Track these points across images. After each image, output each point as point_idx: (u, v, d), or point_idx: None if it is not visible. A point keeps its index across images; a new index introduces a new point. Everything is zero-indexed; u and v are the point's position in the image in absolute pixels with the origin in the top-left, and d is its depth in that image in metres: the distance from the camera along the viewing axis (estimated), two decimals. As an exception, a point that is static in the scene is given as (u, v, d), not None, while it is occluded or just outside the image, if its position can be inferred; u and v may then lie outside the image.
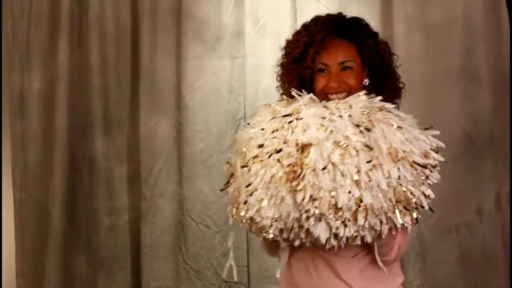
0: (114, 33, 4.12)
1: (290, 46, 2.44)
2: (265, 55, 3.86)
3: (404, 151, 2.10)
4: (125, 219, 4.17)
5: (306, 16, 3.71)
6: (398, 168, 2.07)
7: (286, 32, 3.81)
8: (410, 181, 2.08)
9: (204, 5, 3.99)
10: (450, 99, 3.72)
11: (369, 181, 2.03)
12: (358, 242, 2.11)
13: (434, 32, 3.72)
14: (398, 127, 2.15)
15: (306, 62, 2.36)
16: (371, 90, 2.37)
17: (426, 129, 2.27)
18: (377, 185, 2.04)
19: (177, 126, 4.03)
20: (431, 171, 2.17)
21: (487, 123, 3.71)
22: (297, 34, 2.44)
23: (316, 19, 2.44)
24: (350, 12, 3.70)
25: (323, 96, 2.34)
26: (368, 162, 2.05)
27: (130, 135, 4.15)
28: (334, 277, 2.37)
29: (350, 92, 2.32)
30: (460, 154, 3.72)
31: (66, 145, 4.16)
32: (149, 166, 4.06)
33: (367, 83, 2.40)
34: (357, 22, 2.47)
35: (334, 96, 2.32)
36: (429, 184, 2.16)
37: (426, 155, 2.17)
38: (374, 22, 3.72)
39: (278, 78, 2.52)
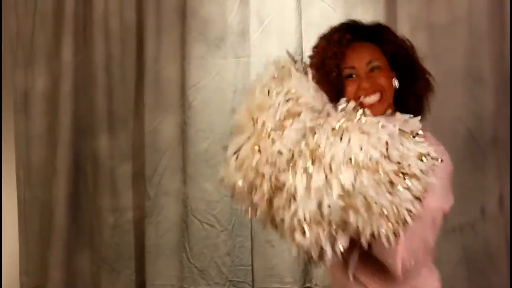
0: (119, 32, 4.12)
1: (312, 58, 2.34)
2: (269, 54, 3.83)
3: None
4: (129, 217, 4.17)
5: (311, 16, 3.75)
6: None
7: (291, 32, 3.83)
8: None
9: (208, 5, 3.99)
10: (454, 99, 3.72)
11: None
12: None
13: (439, 32, 3.73)
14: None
15: (333, 68, 2.26)
16: (402, 90, 2.31)
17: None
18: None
19: (181, 125, 4.03)
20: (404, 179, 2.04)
21: (490, 123, 3.71)
22: (315, 46, 2.35)
23: (332, 29, 2.36)
24: (355, 12, 3.77)
25: (356, 101, 2.22)
26: None
27: (134, 133, 4.15)
28: (346, 278, 2.36)
29: (383, 92, 2.25)
30: (464, 153, 3.73)
31: (70, 143, 4.16)
32: (153, 165, 4.07)
33: (396, 86, 2.30)
34: (373, 23, 2.38)
35: (367, 98, 2.23)
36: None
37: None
38: (378, 22, 3.75)
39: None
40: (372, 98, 2.24)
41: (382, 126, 2.07)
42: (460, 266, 3.75)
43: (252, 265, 3.96)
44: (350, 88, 2.26)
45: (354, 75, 2.27)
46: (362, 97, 2.23)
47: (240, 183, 2.24)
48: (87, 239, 4.24)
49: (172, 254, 4.08)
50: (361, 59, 2.27)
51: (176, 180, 4.07)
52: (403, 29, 3.72)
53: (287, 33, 3.83)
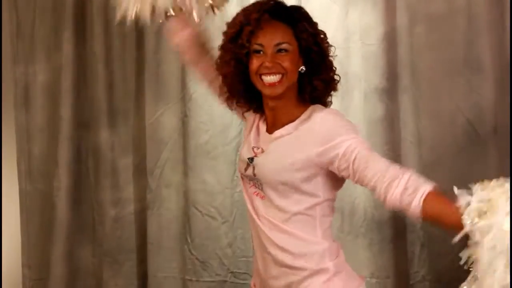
0: (119, 24, 4.12)
1: (228, 27, 2.49)
2: (269, 46, 3.85)
3: None
4: (131, 210, 4.18)
5: (311, 8, 3.72)
6: None
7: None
8: None
9: (208, -3, 3.99)
10: (454, 90, 3.72)
11: None
12: None
13: (438, 23, 3.72)
14: None
15: (241, 40, 2.39)
16: (306, 79, 2.44)
17: None
18: None
19: (182, 117, 4.04)
20: None
21: (491, 114, 3.71)
22: (235, 16, 2.48)
23: (255, 2, 2.48)
24: (354, 4, 3.76)
25: (258, 78, 2.39)
26: None
27: (135, 126, 4.16)
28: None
29: (285, 74, 2.37)
30: (464, 145, 3.72)
31: (71, 136, 4.18)
32: (155, 157, 4.08)
33: (303, 70, 2.43)
34: (297, 8, 2.50)
35: (268, 77, 2.37)
36: None
37: None
38: (377, 13, 3.76)
39: (217, 61, 2.58)
40: (272, 78, 2.37)
41: None
42: (460, 258, 3.75)
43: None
44: (254, 64, 2.40)
45: (261, 52, 2.39)
46: (263, 76, 2.38)
47: None
48: (88, 232, 4.25)
49: (173, 246, 4.09)
50: (271, 39, 2.38)
51: (177, 172, 4.08)
52: (402, 20, 3.73)
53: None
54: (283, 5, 2.47)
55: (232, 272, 4.04)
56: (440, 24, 3.72)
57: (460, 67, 3.71)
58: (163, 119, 4.07)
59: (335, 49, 2.50)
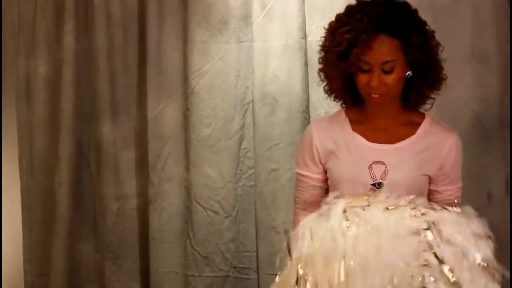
0: (121, 17, 4.09)
1: (333, 41, 2.46)
2: (272, 39, 3.81)
3: None
4: (133, 205, 4.15)
5: (313, 1, 3.69)
6: None
7: (294, 16, 3.77)
8: None
9: (211, -12, 3.96)
10: (460, 81, 3.67)
11: None
12: None
13: (443, 13, 3.68)
14: None
15: (350, 61, 2.40)
16: (413, 81, 2.49)
17: None
18: None
19: (184, 111, 4.01)
20: None
21: (497, 106, 3.68)
22: (340, 27, 2.44)
23: (361, 11, 2.43)
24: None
25: (364, 93, 2.47)
26: None
27: (137, 120, 4.13)
28: None
29: (388, 94, 2.44)
30: (470, 137, 3.69)
31: (73, 130, 4.15)
32: (157, 152, 4.04)
33: (410, 75, 2.47)
34: (404, 15, 2.48)
35: (374, 94, 2.44)
36: None
37: None
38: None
39: (321, 73, 2.61)
40: (377, 95, 2.45)
41: None
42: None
43: (256, 251, 3.94)
44: (362, 81, 2.45)
45: (368, 70, 2.41)
46: (371, 94, 2.45)
47: None
48: (90, 227, 4.22)
49: (176, 241, 4.06)
50: (379, 58, 2.40)
51: (179, 166, 4.04)
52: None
53: (290, 17, 3.78)
54: (390, 15, 2.44)
55: (235, 267, 4.01)
56: (445, 14, 3.68)
57: (466, 58, 3.69)
58: (165, 113, 4.03)
59: (444, 48, 2.58)
